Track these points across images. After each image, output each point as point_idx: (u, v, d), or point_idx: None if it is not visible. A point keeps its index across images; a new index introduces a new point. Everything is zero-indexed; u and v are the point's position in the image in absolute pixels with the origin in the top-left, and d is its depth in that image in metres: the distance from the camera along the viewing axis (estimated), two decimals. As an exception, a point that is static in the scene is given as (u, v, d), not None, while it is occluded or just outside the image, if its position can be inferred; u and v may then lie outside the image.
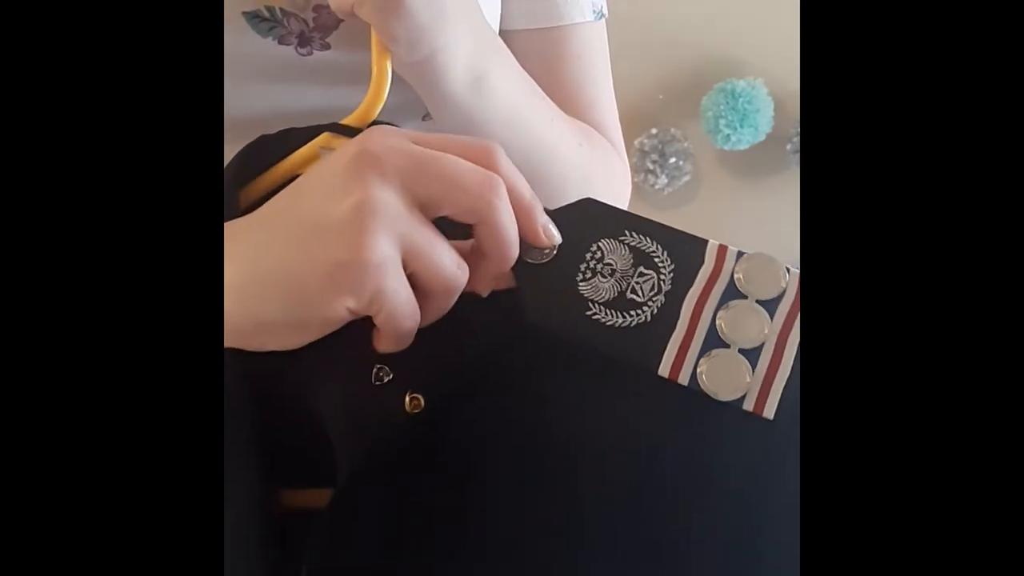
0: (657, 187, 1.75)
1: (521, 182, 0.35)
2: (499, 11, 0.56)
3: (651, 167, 1.72)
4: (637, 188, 0.58)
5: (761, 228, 1.82)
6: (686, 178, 1.76)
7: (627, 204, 0.63)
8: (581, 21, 0.59)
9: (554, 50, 0.59)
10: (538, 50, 0.58)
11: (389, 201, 0.32)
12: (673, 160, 1.72)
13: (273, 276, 0.33)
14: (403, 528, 0.36)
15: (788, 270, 0.35)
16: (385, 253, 0.32)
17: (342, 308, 0.32)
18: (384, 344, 0.35)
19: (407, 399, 0.37)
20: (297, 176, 0.37)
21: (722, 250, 0.36)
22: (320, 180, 0.34)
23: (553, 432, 0.36)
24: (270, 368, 0.36)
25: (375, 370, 0.37)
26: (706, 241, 0.36)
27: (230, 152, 0.41)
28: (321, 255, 0.32)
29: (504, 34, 0.57)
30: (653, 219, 0.37)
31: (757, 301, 0.35)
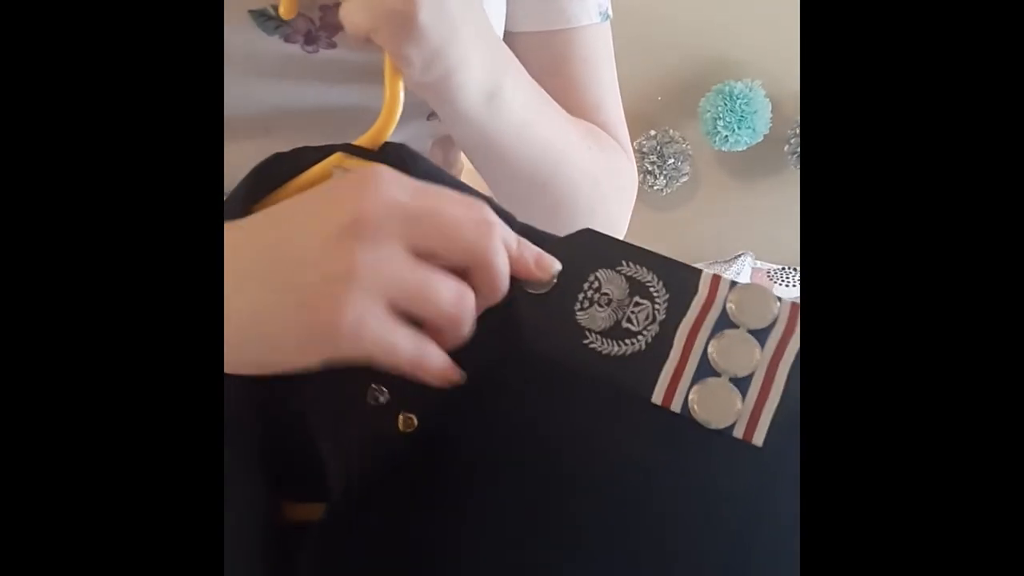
0: (655, 188, 1.75)
1: (509, 233, 0.36)
2: (504, 14, 0.56)
3: (650, 168, 1.72)
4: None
5: (758, 228, 1.83)
6: (684, 179, 1.77)
7: (633, 202, 0.63)
8: (587, 23, 0.58)
9: (560, 52, 0.59)
10: (544, 52, 0.58)
11: (375, 260, 0.32)
12: (671, 161, 1.72)
13: (251, 325, 0.33)
14: (395, 544, 0.36)
15: (779, 300, 0.36)
16: (357, 314, 0.31)
17: (316, 363, 0.32)
18: (426, 379, 0.35)
19: (400, 418, 0.37)
20: None
21: (715, 280, 0.36)
22: (312, 227, 0.33)
23: (546, 454, 0.36)
24: (271, 385, 0.36)
25: (370, 390, 0.38)
26: (700, 271, 0.37)
27: (235, 151, 0.41)
28: (297, 312, 0.32)
29: (509, 36, 0.57)
30: (649, 249, 0.37)
31: (749, 331, 0.35)
